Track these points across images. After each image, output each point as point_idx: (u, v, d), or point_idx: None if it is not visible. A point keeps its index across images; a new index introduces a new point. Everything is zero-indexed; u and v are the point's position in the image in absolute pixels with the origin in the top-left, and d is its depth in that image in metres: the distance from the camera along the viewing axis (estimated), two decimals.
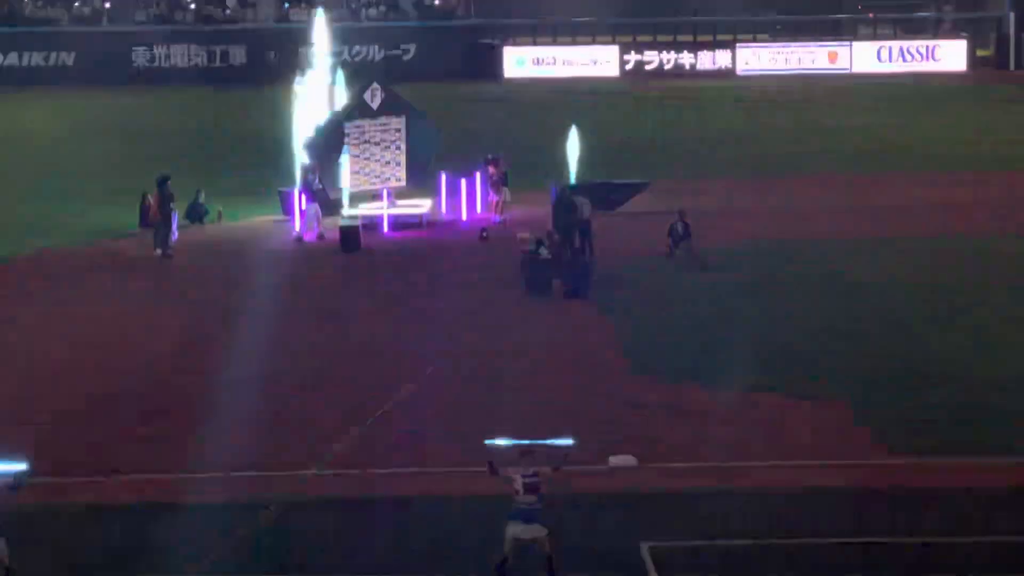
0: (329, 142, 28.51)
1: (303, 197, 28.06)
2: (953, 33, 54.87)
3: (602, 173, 30.88)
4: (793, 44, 53.84)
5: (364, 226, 27.69)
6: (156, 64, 52.91)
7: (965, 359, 19.58)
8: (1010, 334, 20.88)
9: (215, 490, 15.12)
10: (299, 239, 27.88)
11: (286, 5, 55.49)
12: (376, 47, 53.05)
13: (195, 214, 29.39)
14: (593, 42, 54.65)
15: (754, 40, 54.54)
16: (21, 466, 12.83)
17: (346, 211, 28.34)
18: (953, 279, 24.21)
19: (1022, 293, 23.15)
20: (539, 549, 12.94)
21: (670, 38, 54.29)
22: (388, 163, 29.23)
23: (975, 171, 34.51)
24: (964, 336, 20.78)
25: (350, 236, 26.94)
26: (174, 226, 27.18)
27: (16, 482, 12.74)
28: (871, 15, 56.53)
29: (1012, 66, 54.13)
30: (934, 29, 55.58)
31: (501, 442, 13.17)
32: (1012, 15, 54.60)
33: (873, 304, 22.63)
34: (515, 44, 54.05)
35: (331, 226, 27.64)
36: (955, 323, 21.53)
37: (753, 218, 29.28)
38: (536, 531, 12.88)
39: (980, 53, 54.40)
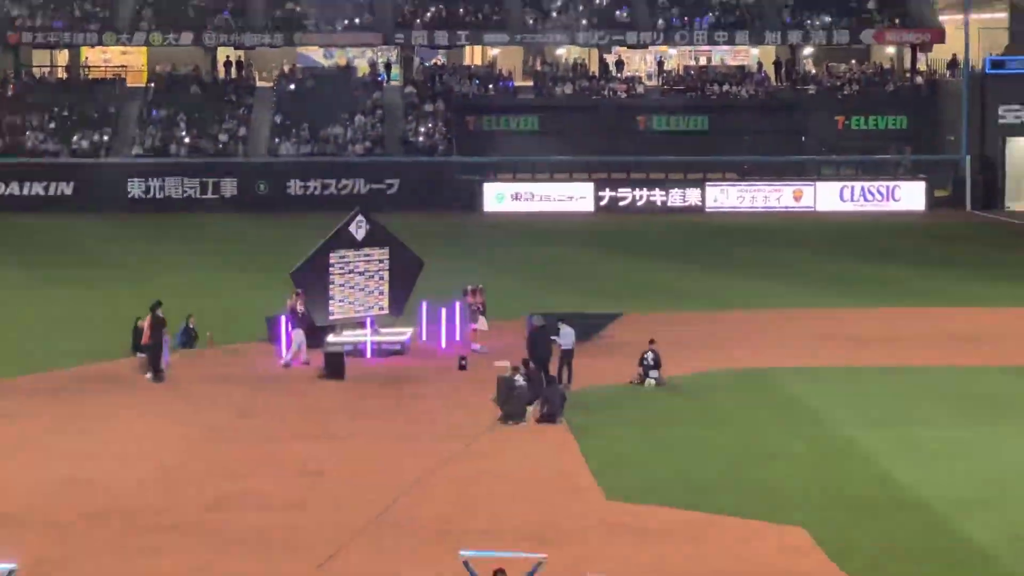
0: (315, 271, 29.70)
1: (289, 324, 29.05)
2: (912, 175, 57.00)
3: (576, 303, 32.21)
4: (760, 183, 55.86)
5: (348, 353, 28.69)
6: (151, 195, 54.53)
7: (924, 486, 20.36)
8: (967, 460, 21.86)
9: None
10: (286, 365, 28.80)
11: (276, 140, 57.30)
12: (361, 181, 54.84)
13: (186, 339, 30.38)
14: (570, 179, 56.67)
15: (723, 179, 56.53)
16: (11, 566, 13.58)
17: (331, 338, 29.33)
18: (913, 408, 25.20)
19: (979, 422, 24.22)
20: None
21: (643, 175, 56.28)
22: (371, 292, 30.40)
23: (938, 306, 35.74)
24: (923, 464, 21.62)
25: (334, 362, 27.91)
26: (166, 350, 28.10)
27: None
28: (834, 156, 58.73)
29: (968, 206, 56.30)
30: (894, 171, 57.76)
31: (475, 553, 14.01)
32: (967, 158, 57.01)
33: (833, 431, 23.63)
34: (495, 180, 55.92)
35: (317, 352, 28.61)
36: (915, 451, 22.38)
37: (721, 347, 30.33)
38: None
39: (938, 194, 56.51)
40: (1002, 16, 63.55)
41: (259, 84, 61.36)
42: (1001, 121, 57.01)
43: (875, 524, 18.80)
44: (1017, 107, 56.81)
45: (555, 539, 18.06)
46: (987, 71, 57.83)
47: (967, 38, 57.43)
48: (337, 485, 20.76)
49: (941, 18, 63.26)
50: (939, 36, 61.58)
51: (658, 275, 40.46)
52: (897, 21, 61.94)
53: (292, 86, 59.82)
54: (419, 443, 22.94)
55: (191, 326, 30.61)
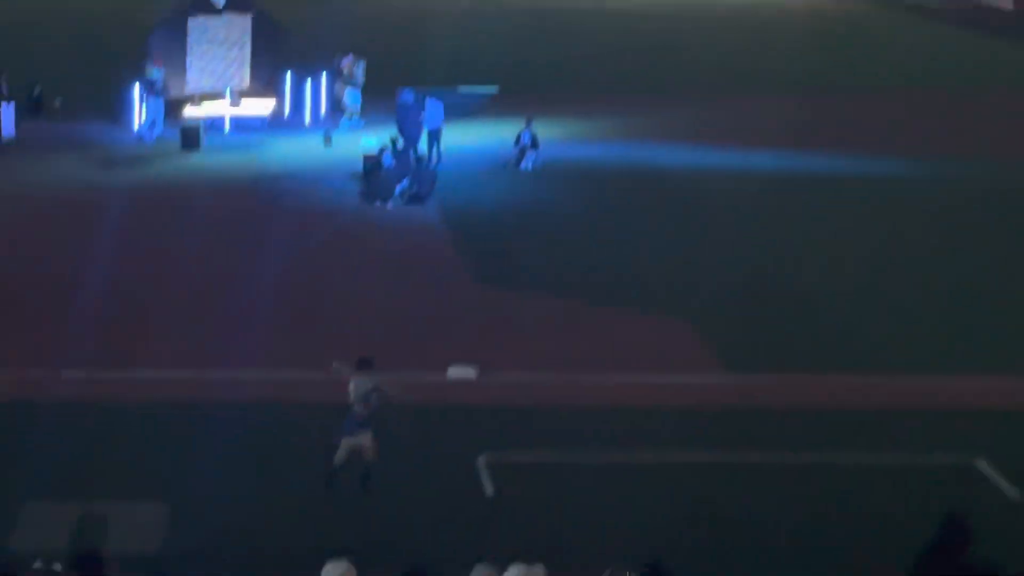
0: (172, 39, 27.68)
1: (144, 95, 27.25)
2: None
3: (451, 81, 30.63)
4: None
5: (206, 127, 26.98)
6: None
7: (804, 278, 19.62)
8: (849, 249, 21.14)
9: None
10: (140, 138, 27.09)
11: None
12: None
13: (31, 107, 28.36)
14: None
15: None
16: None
17: (188, 110, 27.56)
18: (800, 209, 23.81)
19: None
20: (363, 456, 12.85)
21: None
22: (232, 63, 28.51)
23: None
24: (808, 257, 20.77)
25: (191, 136, 26.27)
26: (7, 120, 26.17)
27: None
28: None
29: None
30: None
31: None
32: None
33: (718, 222, 22.50)
34: None
35: (172, 125, 26.96)
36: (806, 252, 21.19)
37: (606, 132, 29.09)
38: (364, 439, 12.79)
39: None
40: None
41: None
42: None
43: (759, 318, 17.93)
44: None
45: (424, 326, 17.26)
46: None
47: None
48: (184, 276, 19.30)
49: None
50: None
51: (549, 58, 38.45)
52: None
53: None
54: (274, 227, 21.46)
55: (36, 94, 28.47)
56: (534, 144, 26.00)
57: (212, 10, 28.07)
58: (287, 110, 28.72)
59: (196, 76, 28.05)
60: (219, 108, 27.92)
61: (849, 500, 13.15)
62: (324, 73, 28.69)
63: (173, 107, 27.52)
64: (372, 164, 23.59)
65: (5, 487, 12.80)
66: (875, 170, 26.51)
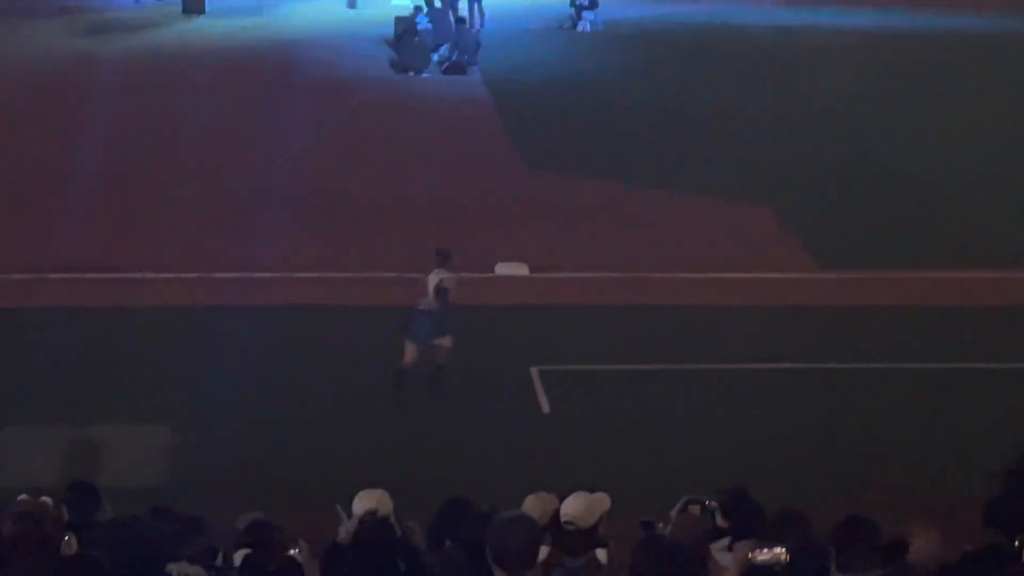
0: None
1: None
2: None
3: None
4: None
5: None
6: None
7: (906, 157, 17.54)
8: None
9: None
10: (136, 0, 25.49)
11: None
12: None
13: None
14: None
15: None
16: None
17: None
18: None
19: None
20: (436, 357, 11.57)
21: None
22: None
23: None
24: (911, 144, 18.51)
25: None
26: None
27: None
28: None
29: None
30: None
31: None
32: None
33: (807, 92, 20.36)
34: None
35: None
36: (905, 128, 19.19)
37: None
38: (443, 341, 11.57)
39: None
40: None
41: None
42: None
43: (850, 210, 15.87)
44: None
45: (469, 218, 15.53)
46: None
47: None
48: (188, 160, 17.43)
49: None
50: None
51: None
52: None
53: None
54: (298, 100, 19.62)
55: None
56: (592, 3, 23.84)
57: None
58: None
59: None
60: None
61: (954, 407, 11.65)
62: None
63: None
64: (405, 28, 21.71)
65: None
66: (993, 28, 24.44)
